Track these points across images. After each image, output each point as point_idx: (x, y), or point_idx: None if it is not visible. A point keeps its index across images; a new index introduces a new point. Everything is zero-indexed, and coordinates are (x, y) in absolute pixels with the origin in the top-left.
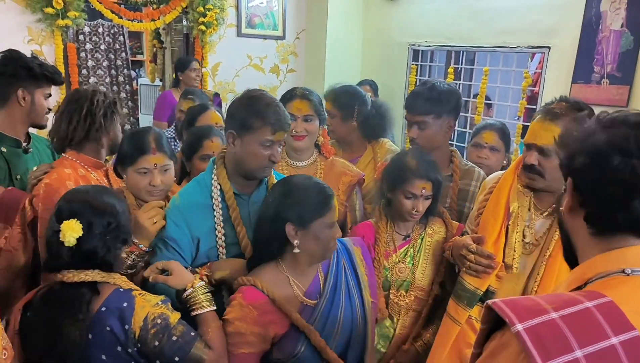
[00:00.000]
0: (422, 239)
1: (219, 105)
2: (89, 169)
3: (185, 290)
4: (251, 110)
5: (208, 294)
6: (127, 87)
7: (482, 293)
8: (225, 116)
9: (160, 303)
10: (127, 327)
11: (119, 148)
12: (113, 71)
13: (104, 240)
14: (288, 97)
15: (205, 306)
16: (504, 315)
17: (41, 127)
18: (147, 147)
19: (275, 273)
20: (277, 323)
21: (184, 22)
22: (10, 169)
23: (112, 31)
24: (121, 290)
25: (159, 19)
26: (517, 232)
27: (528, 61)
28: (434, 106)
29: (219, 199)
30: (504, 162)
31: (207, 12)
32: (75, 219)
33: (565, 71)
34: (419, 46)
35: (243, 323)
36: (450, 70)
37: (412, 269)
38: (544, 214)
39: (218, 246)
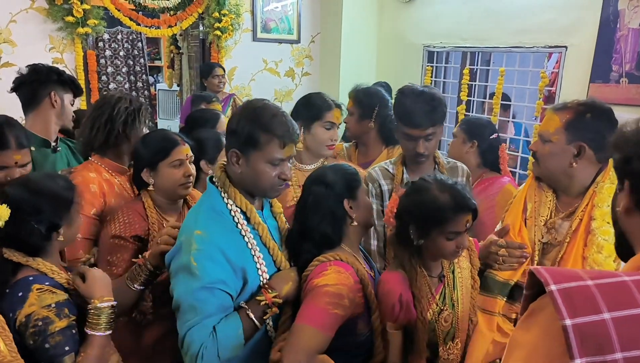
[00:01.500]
0: (453, 272)
1: None
2: (113, 174)
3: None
4: (255, 123)
5: (111, 316)
6: (146, 92)
7: (514, 283)
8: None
9: (52, 305)
10: (11, 314)
11: (137, 154)
12: (132, 77)
13: (29, 224)
14: (325, 106)
15: (100, 329)
16: (541, 277)
17: (68, 131)
18: (176, 139)
19: (347, 255)
20: (360, 299)
21: (200, 28)
22: (35, 169)
23: (130, 38)
24: (30, 278)
25: (175, 25)
26: (534, 230)
27: (545, 60)
28: (438, 114)
29: (245, 223)
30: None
31: (223, 18)
32: (6, 204)
33: (583, 71)
34: (434, 47)
35: (343, 286)
36: (466, 71)
37: (454, 314)
38: (563, 216)
39: (260, 273)
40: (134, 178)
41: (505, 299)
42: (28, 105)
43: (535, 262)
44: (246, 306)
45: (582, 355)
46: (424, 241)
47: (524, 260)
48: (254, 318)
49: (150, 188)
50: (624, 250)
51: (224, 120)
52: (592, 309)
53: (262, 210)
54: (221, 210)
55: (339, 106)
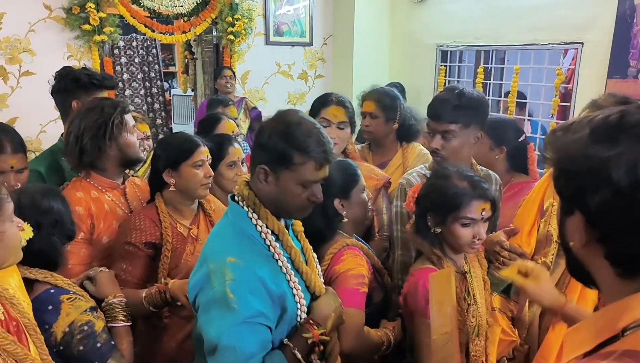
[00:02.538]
0: (470, 269)
1: (258, 118)
2: (104, 190)
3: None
4: (289, 141)
5: (126, 309)
6: (161, 98)
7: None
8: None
9: (88, 310)
10: (47, 326)
11: (157, 156)
12: (147, 83)
13: (51, 239)
14: (323, 102)
15: (120, 320)
16: None
17: None
18: (197, 141)
19: (351, 239)
20: (372, 274)
21: (214, 33)
22: (65, 178)
23: (145, 45)
24: (52, 291)
25: (189, 30)
26: (548, 229)
27: (560, 57)
28: (462, 114)
29: (277, 246)
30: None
31: (236, 22)
32: (26, 222)
33: (599, 67)
34: (447, 46)
35: (362, 267)
36: (480, 70)
37: (477, 310)
38: None
39: (297, 299)
40: (151, 180)
41: (500, 294)
42: (61, 114)
43: (551, 262)
44: (291, 344)
45: None
46: (441, 229)
47: None
48: (300, 359)
49: (172, 188)
50: (582, 277)
51: (224, 123)
52: None
53: (287, 229)
54: (251, 234)
55: (340, 103)
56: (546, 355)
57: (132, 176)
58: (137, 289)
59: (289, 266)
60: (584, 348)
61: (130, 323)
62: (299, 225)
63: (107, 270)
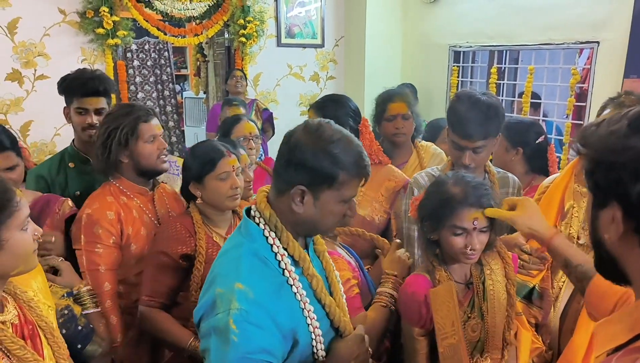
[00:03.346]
0: (483, 283)
1: (269, 119)
2: (132, 196)
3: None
4: (334, 160)
5: (94, 296)
6: (173, 100)
7: (532, 285)
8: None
9: (65, 296)
10: None
11: (185, 167)
12: (159, 86)
13: None
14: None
15: (90, 307)
16: None
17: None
18: (222, 150)
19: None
20: (358, 273)
21: (226, 35)
22: (69, 184)
23: (157, 47)
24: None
25: (201, 33)
26: (569, 232)
27: (576, 57)
28: (492, 127)
29: (293, 270)
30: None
31: (248, 25)
32: None
33: (616, 66)
34: (460, 47)
35: (346, 271)
36: (494, 70)
37: (484, 325)
38: None
39: (312, 330)
40: (183, 190)
41: (522, 300)
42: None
43: None
44: None
45: None
46: (434, 236)
47: (543, 268)
48: None
49: (199, 201)
50: (611, 272)
51: (243, 124)
52: None
53: (306, 249)
54: (265, 256)
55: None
56: (571, 358)
57: (163, 182)
58: (172, 308)
59: (304, 293)
60: (617, 341)
61: (99, 309)
62: (321, 244)
63: (64, 260)
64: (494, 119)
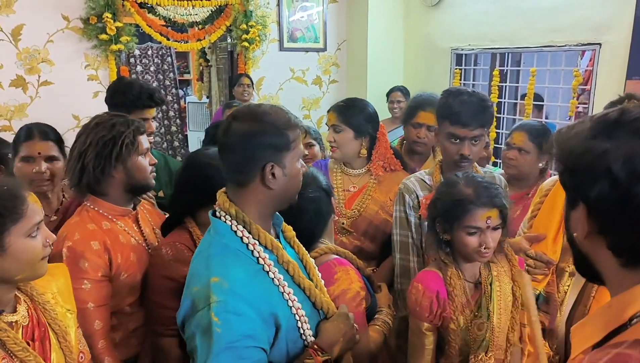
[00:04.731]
0: (491, 284)
1: None
2: (114, 220)
3: None
4: (277, 126)
5: None
6: (176, 105)
7: (537, 292)
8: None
9: None
10: None
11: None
12: (162, 91)
13: None
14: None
15: None
16: None
17: None
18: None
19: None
20: (363, 284)
21: (228, 40)
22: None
23: (160, 53)
24: None
25: (204, 38)
26: None
27: (578, 59)
28: (487, 116)
29: (267, 256)
30: (541, 164)
31: (250, 29)
32: None
33: (618, 68)
34: (462, 49)
35: (355, 284)
36: (496, 72)
37: (489, 324)
38: None
39: (295, 312)
40: (174, 203)
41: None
42: None
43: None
44: None
45: None
46: (447, 236)
47: (548, 272)
48: None
49: (203, 210)
50: (587, 271)
51: None
52: None
53: (278, 238)
54: (237, 248)
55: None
56: None
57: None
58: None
59: (282, 277)
60: (592, 340)
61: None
62: (290, 231)
63: None
64: (489, 110)
